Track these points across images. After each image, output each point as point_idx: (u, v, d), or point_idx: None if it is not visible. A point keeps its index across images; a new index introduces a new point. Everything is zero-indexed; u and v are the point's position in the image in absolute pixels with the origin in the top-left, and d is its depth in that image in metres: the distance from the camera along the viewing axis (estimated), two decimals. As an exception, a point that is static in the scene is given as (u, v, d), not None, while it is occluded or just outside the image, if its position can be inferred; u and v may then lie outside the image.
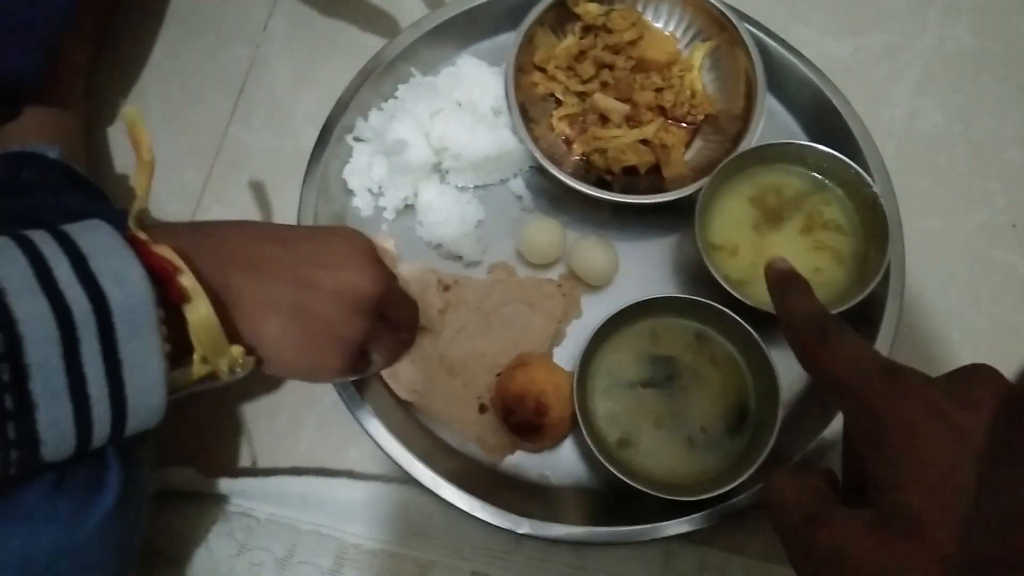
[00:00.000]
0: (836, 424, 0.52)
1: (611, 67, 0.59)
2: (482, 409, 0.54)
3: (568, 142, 0.60)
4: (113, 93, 0.66)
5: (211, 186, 0.63)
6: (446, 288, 0.56)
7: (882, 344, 0.54)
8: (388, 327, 0.49)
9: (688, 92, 0.60)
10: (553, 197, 0.60)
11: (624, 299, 0.52)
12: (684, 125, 0.61)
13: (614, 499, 0.53)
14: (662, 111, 0.60)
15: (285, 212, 0.59)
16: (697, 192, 0.54)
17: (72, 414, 0.31)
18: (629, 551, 0.51)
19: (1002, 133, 0.64)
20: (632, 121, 0.59)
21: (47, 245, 0.32)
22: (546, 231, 0.57)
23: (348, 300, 0.41)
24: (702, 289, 0.53)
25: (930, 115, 0.65)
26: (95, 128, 0.63)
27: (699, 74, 0.61)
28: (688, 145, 0.60)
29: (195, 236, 0.38)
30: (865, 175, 0.54)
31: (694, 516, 0.50)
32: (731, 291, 0.51)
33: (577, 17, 0.61)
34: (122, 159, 0.64)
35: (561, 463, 0.54)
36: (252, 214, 0.62)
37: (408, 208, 0.60)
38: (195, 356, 0.35)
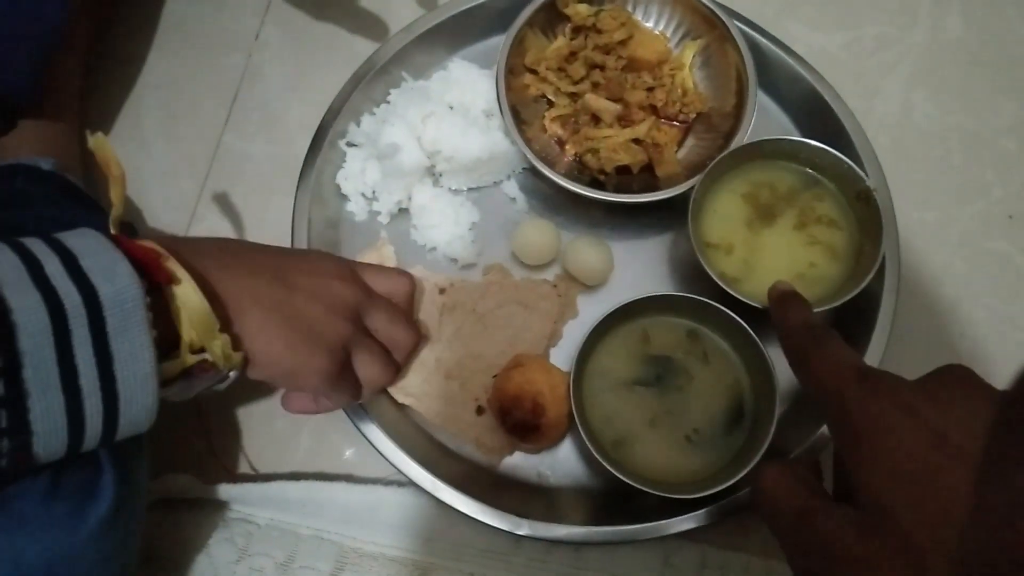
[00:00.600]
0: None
1: (602, 67, 0.59)
2: (479, 411, 0.54)
3: (561, 143, 0.61)
4: (108, 104, 0.66)
5: (206, 195, 0.63)
6: (442, 291, 0.57)
7: (879, 338, 0.54)
8: (375, 342, 0.48)
9: (679, 91, 0.60)
10: (547, 198, 0.60)
11: (619, 298, 0.52)
12: (676, 124, 0.61)
13: (613, 499, 0.53)
14: (654, 110, 0.60)
15: (280, 218, 0.59)
16: (690, 190, 0.54)
17: (64, 405, 0.31)
18: (629, 550, 0.51)
19: (996, 123, 0.64)
20: (624, 121, 0.59)
21: (37, 246, 0.32)
22: (540, 232, 0.57)
23: (325, 300, 0.42)
24: (697, 287, 0.53)
25: (923, 107, 0.65)
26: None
27: (690, 72, 0.61)
28: (680, 143, 0.61)
29: (175, 241, 0.39)
30: (858, 169, 0.54)
31: (693, 514, 0.50)
32: (726, 288, 0.51)
33: (567, 18, 0.61)
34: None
35: (559, 463, 0.54)
36: (247, 222, 0.62)
37: (402, 212, 0.60)
38: (183, 341, 0.35)
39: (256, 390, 0.57)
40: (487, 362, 0.55)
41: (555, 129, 0.61)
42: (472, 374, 0.55)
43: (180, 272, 0.34)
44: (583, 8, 0.60)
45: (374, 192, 0.60)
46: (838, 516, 0.31)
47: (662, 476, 0.50)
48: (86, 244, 0.33)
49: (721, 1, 0.60)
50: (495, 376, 0.53)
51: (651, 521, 0.50)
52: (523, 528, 0.50)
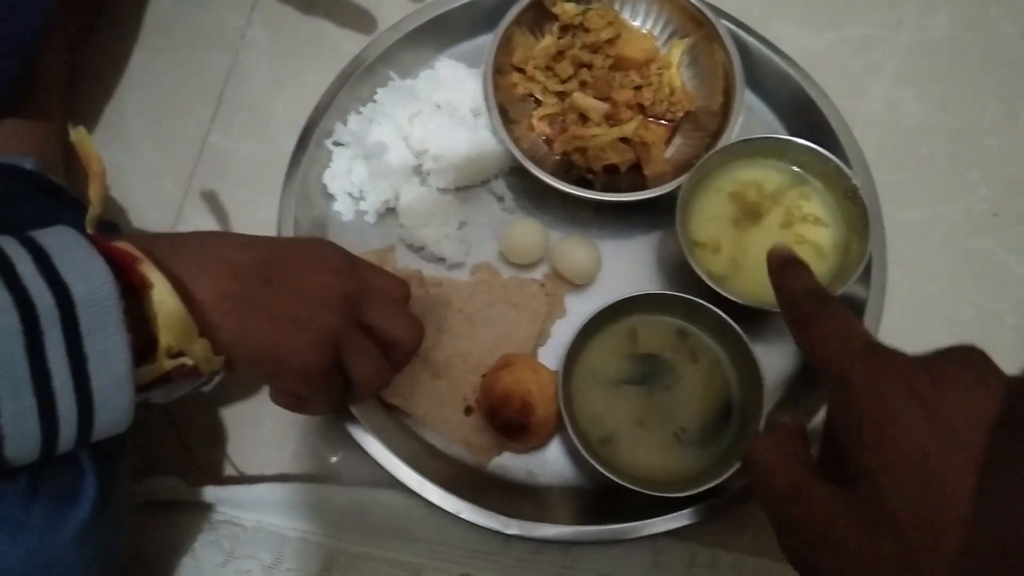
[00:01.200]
0: (820, 419, 0.52)
1: (590, 66, 0.59)
2: (468, 411, 0.54)
3: (548, 142, 0.60)
4: (92, 103, 0.65)
5: (191, 194, 0.63)
6: (423, 283, 0.56)
7: (866, 336, 0.54)
8: (368, 340, 0.44)
9: (667, 89, 0.60)
10: (535, 197, 0.60)
11: (608, 297, 0.52)
12: (664, 122, 0.61)
13: (602, 498, 0.52)
14: (641, 109, 0.60)
15: (266, 218, 0.58)
16: (678, 189, 0.54)
17: (36, 408, 0.30)
18: (618, 549, 0.51)
19: (981, 122, 0.65)
20: (612, 119, 0.59)
21: (8, 244, 0.31)
22: (528, 231, 0.57)
23: (314, 294, 0.40)
24: (685, 285, 0.53)
25: (909, 106, 0.65)
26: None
27: (677, 71, 0.61)
28: (668, 142, 0.61)
29: (154, 239, 0.37)
30: (845, 168, 0.54)
31: (682, 512, 0.50)
32: (714, 287, 0.51)
33: (554, 17, 0.61)
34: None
35: (548, 463, 0.54)
36: (233, 221, 0.62)
37: (390, 211, 0.60)
38: (160, 346, 0.34)
39: (245, 391, 0.56)
40: (475, 361, 0.54)
41: (543, 128, 0.61)
42: (460, 374, 0.54)
43: (154, 276, 0.33)
44: (571, 7, 0.60)
45: (361, 191, 0.59)
46: (831, 500, 0.30)
47: (650, 475, 0.50)
48: (61, 242, 0.32)
49: (708, 0, 0.60)
50: (483, 376, 0.53)
51: (640, 520, 0.50)
52: (512, 528, 0.50)
